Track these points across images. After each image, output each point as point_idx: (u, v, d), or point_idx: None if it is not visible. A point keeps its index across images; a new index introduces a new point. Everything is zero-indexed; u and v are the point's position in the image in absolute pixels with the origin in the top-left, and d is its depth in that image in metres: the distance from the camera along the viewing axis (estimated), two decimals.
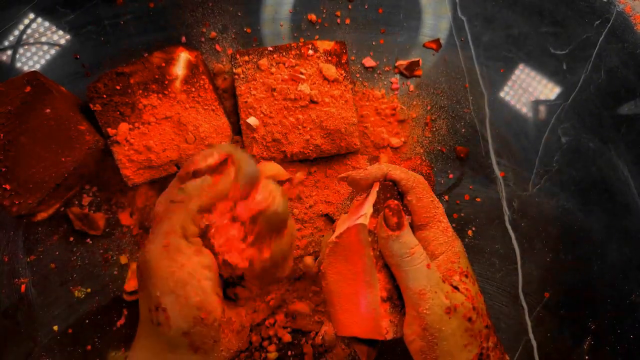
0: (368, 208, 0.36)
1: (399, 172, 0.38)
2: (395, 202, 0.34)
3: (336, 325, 0.38)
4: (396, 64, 0.54)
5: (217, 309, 0.32)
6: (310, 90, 0.48)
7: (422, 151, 0.53)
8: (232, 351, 0.34)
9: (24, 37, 0.52)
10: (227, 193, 0.32)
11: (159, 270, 0.31)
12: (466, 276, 0.36)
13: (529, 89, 0.54)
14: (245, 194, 0.33)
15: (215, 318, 0.32)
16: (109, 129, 0.47)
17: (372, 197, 0.37)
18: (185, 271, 0.30)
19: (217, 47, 0.53)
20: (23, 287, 0.50)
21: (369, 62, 0.54)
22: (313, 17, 0.54)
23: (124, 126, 0.47)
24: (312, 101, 0.48)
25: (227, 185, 0.32)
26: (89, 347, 0.50)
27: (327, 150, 0.49)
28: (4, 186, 0.44)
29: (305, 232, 0.51)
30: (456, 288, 0.35)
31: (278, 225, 0.33)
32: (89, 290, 0.50)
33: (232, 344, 0.34)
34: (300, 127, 0.48)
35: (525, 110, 0.54)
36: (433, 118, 0.54)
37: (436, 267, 0.35)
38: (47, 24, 0.53)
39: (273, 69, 0.49)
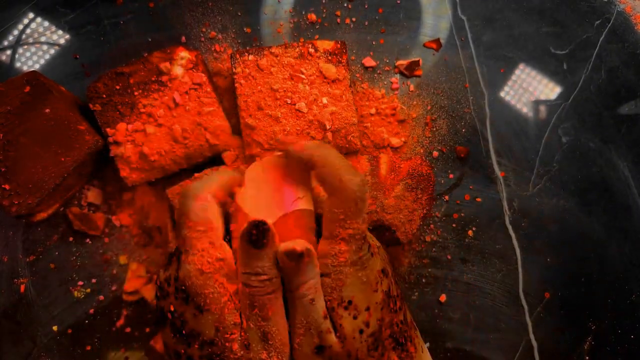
0: (304, 191, 0.33)
1: (326, 170, 0.32)
2: (258, 221, 0.30)
3: None
4: (396, 64, 0.54)
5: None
6: (310, 90, 0.48)
7: (422, 151, 0.53)
8: None
9: (24, 36, 0.52)
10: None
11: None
12: (345, 308, 0.31)
13: (530, 89, 0.54)
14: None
15: None
16: (108, 129, 0.47)
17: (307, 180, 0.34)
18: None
19: (217, 47, 0.53)
20: (22, 287, 0.50)
21: (369, 62, 0.54)
22: (313, 17, 0.54)
23: (123, 126, 0.47)
24: (312, 101, 0.48)
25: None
26: (88, 348, 0.49)
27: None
28: (3, 186, 0.44)
29: None
30: (333, 326, 0.31)
31: None
32: (88, 290, 0.50)
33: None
34: (300, 126, 0.48)
35: (525, 110, 0.54)
36: (433, 118, 0.53)
37: (320, 303, 0.31)
38: (46, 23, 0.53)
39: (273, 69, 0.49)
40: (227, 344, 0.30)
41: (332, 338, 0.31)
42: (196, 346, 0.31)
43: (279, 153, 0.36)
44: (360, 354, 0.31)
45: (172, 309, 0.32)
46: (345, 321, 0.31)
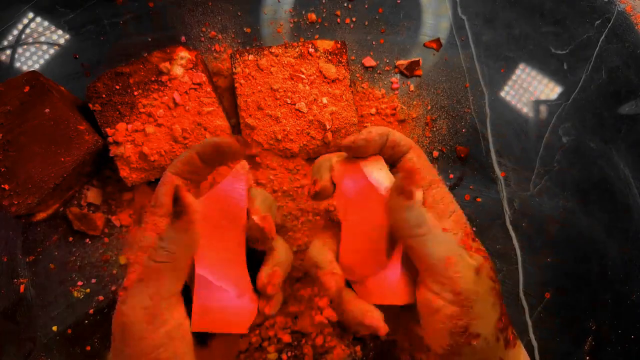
0: (385, 177, 0.34)
1: (397, 134, 0.35)
2: (411, 167, 0.32)
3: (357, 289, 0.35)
4: (396, 64, 0.54)
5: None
6: (310, 90, 0.48)
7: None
8: None
9: (23, 36, 0.52)
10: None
11: (135, 333, 0.29)
12: (474, 238, 0.34)
13: (530, 89, 0.54)
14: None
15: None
16: (108, 129, 0.46)
17: (383, 165, 0.35)
18: (161, 334, 0.30)
19: (217, 47, 0.53)
20: (22, 287, 0.50)
21: (369, 62, 0.53)
22: (313, 16, 0.54)
23: (123, 126, 0.47)
24: (312, 101, 0.48)
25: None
26: (88, 348, 0.49)
27: (327, 151, 0.49)
28: (3, 186, 0.44)
29: (302, 230, 0.51)
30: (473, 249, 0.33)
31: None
32: (88, 290, 0.50)
33: None
34: (300, 126, 0.48)
35: (525, 110, 0.54)
36: (433, 118, 0.53)
37: (450, 230, 0.33)
38: (46, 23, 0.53)
39: (273, 69, 0.49)
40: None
41: (478, 256, 0.32)
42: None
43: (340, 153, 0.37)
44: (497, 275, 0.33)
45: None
46: (480, 245, 0.34)
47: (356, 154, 0.35)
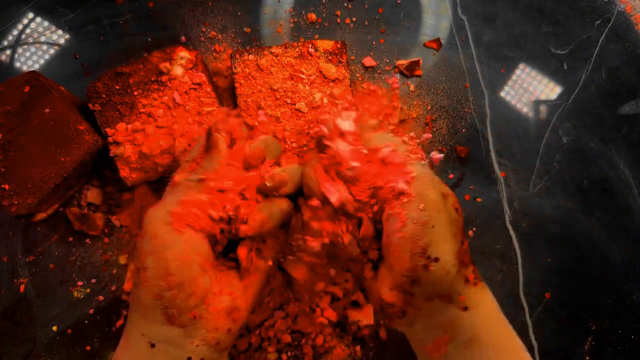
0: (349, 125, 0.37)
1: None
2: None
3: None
4: (396, 64, 0.54)
5: (197, 280, 0.32)
6: (310, 90, 0.48)
7: (422, 151, 0.53)
8: (221, 333, 0.33)
9: (23, 36, 0.52)
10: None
11: (154, 230, 0.32)
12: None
13: (530, 89, 0.54)
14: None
15: (194, 290, 0.32)
16: (108, 129, 0.46)
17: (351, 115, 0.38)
18: (176, 236, 0.32)
19: (217, 47, 0.53)
20: (22, 287, 0.50)
21: (369, 62, 0.53)
22: (313, 16, 0.54)
23: (123, 126, 0.47)
24: (312, 101, 0.48)
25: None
26: (88, 348, 0.49)
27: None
28: (3, 186, 0.44)
29: None
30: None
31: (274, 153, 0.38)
32: (88, 290, 0.50)
33: (219, 324, 0.33)
34: (300, 126, 0.48)
35: (525, 110, 0.54)
36: (433, 118, 0.53)
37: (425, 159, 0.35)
38: (46, 23, 0.53)
39: (273, 69, 0.49)
40: None
41: (447, 187, 0.34)
42: None
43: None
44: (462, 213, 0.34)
45: None
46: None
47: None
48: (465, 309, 0.32)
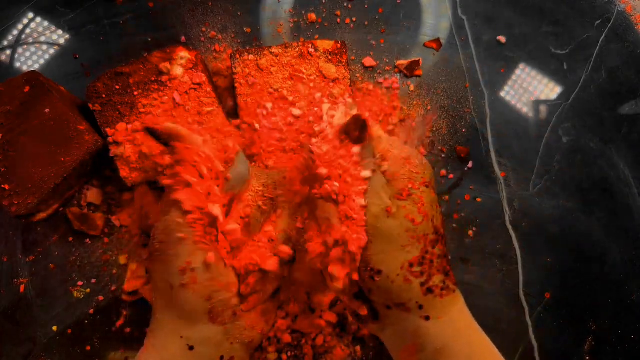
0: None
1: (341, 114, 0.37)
2: (363, 116, 0.34)
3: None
4: (396, 64, 0.54)
5: (236, 281, 0.34)
6: (311, 90, 0.48)
7: (422, 151, 0.53)
8: (256, 332, 0.35)
9: (23, 36, 0.52)
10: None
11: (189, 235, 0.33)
12: (426, 186, 0.35)
13: (530, 89, 0.54)
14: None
15: (235, 289, 0.34)
16: (108, 129, 0.46)
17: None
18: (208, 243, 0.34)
19: (217, 47, 0.53)
20: (22, 287, 0.50)
21: (369, 61, 0.53)
22: (313, 16, 0.54)
23: (123, 126, 0.47)
24: (312, 101, 0.48)
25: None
26: (88, 348, 0.49)
27: None
28: (3, 186, 0.44)
29: None
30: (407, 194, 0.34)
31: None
32: (88, 290, 0.50)
33: (255, 323, 0.35)
34: (300, 125, 0.48)
35: (525, 110, 0.54)
36: (433, 118, 0.53)
37: (384, 174, 0.34)
38: (46, 23, 0.53)
39: (273, 69, 0.49)
40: None
41: (408, 201, 0.34)
42: None
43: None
44: (432, 219, 0.34)
45: None
46: (424, 194, 0.35)
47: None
48: (427, 318, 0.32)
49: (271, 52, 0.49)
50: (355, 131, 0.34)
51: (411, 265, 0.32)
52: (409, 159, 0.35)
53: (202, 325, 0.33)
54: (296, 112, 0.48)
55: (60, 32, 0.52)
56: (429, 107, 0.54)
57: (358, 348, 0.51)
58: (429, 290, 0.32)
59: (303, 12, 0.54)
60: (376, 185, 0.33)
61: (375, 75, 0.54)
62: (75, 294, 0.50)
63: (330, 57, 0.49)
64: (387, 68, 0.54)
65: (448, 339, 0.33)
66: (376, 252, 0.32)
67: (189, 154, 0.35)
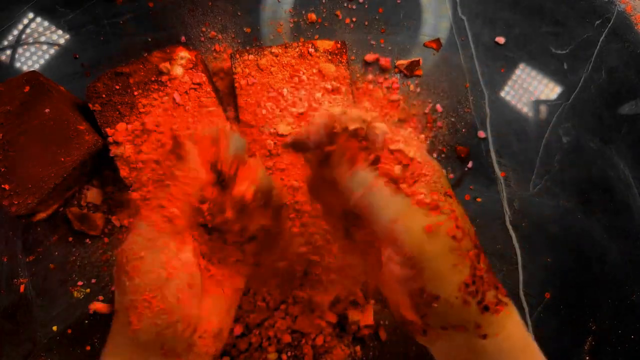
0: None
1: (350, 114, 0.32)
2: (352, 140, 0.30)
3: None
4: (396, 64, 0.54)
5: (191, 312, 0.31)
6: (310, 90, 0.48)
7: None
8: (210, 355, 0.33)
9: (23, 36, 0.52)
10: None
11: (141, 265, 0.30)
12: (449, 196, 0.32)
13: (530, 89, 0.54)
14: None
15: (189, 322, 0.31)
16: (108, 129, 0.46)
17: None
18: (167, 270, 0.30)
19: (217, 47, 0.53)
20: (22, 287, 0.50)
21: (370, 57, 0.54)
22: (313, 17, 0.54)
23: (123, 126, 0.47)
24: (312, 101, 0.48)
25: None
26: (88, 348, 0.49)
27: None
28: (3, 186, 0.44)
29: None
30: (436, 208, 0.31)
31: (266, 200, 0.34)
32: (88, 290, 0.50)
33: (209, 347, 0.33)
34: (300, 125, 0.48)
35: (526, 110, 0.54)
36: (433, 118, 0.53)
37: (407, 192, 0.31)
38: (46, 23, 0.53)
39: (273, 69, 0.49)
40: None
41: (441, 216, 0.31)
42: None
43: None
44: (472, 234, 0.32)
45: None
46: (452, 204, 0.32)
47: (302, 150, 0.34)
48: (485, 336, 0.31)
49: (271, 52, 0.49)
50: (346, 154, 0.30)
51: (467, 285, 0.30)
52: (429, 166, 0.32)
53: (155, 358, 0.31)
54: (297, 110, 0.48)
55: (60, 32, 0.52)
56: (429, 107, 0.54)
57: (358, 348, 0.51)
58: (486, 309, 0.31)
59: (303, 12, 0.54)
60: (405, 207, 0.30)
61: (376, 74, 0.54)
62: (75, 294, 0.50)
63: (330, 57, 0.49)
64: (387, 68, 0.54)
65: (505, 356, 0.31)
66: (431, 278, 0.29)
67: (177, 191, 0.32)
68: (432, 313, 0.30)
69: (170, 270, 0.30)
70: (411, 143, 0.33)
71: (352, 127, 0.32)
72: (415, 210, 0.30)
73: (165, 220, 0.31)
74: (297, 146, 0.33)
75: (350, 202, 0.31)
